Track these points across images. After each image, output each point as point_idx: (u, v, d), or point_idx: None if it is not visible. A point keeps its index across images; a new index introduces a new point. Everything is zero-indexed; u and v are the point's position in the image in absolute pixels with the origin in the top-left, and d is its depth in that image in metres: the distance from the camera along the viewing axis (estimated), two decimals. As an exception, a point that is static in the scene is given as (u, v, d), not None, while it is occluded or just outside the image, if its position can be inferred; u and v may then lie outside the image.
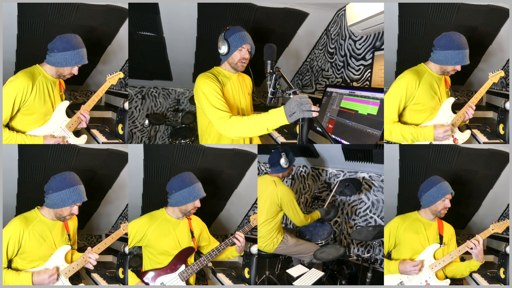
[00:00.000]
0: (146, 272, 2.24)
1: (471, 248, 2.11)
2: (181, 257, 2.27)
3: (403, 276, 2.18)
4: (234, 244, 2.34)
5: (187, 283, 2.27)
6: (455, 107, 2.23)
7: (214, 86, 2.07)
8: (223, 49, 2.14)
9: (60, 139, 2.24)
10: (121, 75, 2.43)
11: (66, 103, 2.29)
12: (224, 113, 1.99)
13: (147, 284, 2.22)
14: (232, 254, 2.43)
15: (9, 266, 2.04)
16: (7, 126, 2.17)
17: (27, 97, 2.10)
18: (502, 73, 2.24)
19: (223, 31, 2.15)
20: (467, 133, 2.23)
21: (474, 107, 2.20)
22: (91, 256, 2.11)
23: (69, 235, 2.16)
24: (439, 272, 2.18)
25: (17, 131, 2.17)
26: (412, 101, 2.15)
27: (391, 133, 2.18)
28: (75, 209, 2.07)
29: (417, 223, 2.25)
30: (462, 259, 2.32)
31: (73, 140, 2.32)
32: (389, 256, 2.34)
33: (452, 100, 2.21)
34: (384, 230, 2.30)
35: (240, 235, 2.33)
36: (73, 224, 2.22)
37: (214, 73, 2.19)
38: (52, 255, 2.08)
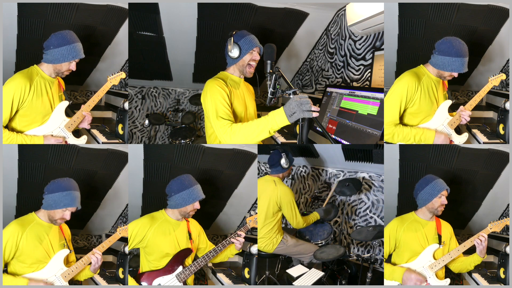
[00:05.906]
0: (143, 273, 2.23)
1: (479, 242, 2.12)
2: (179, 258, 2.27)
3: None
4: (231, 243, 2.35)
5: (185, 284, 2.27)
6: (455, 107, 2.23)
7: (222, 92, 2.04)
8: (234, 52, 2.11)
9: (60, 139, 2.25)
10: (123, 75, 2.42)
11: (66, 103, 2.29)
12: (227, 121, 1.97)
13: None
14: (231, 252, 2.43)
15: (5, 270, 2.05)
16: (6, 127, 2.17)
17: (25, 98, 2.11)
18: (503, 76, 2.23)
19: (230, 35, 2.13)
20: (464, 136, 2.22)
21: (470, 112, 2.18)
22: (98, 256, 2.17)
23: (66, 240, 2.18)
24: (438, 272, 2.18)
25: (17, 132, 2.17)
26: (411, 103, 2.13)
27: (393, 136, 2.14)
28: (66, 214, 2.08)
29: (415, 225, 2.25)
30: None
31: (72, 140, 2.31)
32: (389, 259, 2.34)
33: (449, 102, 2.19)
34: (384, 233, 2.30)
35: (241, 234, 2.35)
36: (67, 232, 2.25)
37: (223, 78, 2.16)
38: (51, 259, 2.09)
